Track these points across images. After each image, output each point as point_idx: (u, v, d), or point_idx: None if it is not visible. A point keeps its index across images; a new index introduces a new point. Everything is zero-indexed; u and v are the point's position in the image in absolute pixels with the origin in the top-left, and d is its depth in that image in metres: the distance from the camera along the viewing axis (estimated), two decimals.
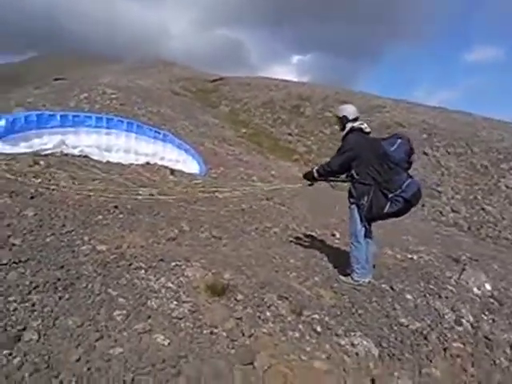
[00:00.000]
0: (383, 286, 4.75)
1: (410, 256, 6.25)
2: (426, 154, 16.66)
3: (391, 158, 4.23)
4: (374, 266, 5.00)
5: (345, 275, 4.71)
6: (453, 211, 13.18)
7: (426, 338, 3.82)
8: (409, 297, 4.61)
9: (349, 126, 4.57)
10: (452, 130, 18.55)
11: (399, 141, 4.30)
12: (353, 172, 4.45)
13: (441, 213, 13.07)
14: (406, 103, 24.20)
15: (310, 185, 5.10)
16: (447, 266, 6.01)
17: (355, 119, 4.59)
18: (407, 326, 3.94)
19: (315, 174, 4.78)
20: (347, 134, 4.58)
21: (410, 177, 4.33)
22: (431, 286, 5.08)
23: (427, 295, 4.78)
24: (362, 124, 4.57)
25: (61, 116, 7.82)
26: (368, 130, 4.59)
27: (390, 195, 4.23)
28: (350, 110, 4.65)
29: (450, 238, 9.45)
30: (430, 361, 3.51)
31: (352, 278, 4.57)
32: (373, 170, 4.31)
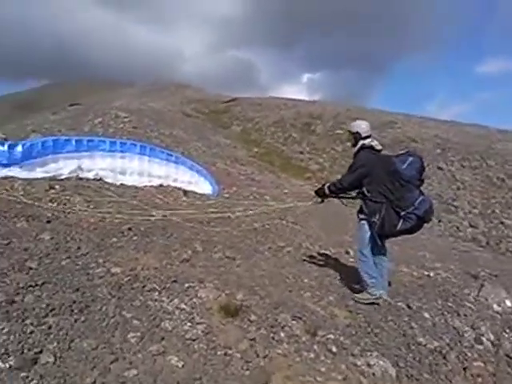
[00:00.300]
0: (399, 304, 4.67)
1: (426, 273, 6.15)
2: (440, 168, 16.48)
3: (402, 175, 4.21)
4: (389, 284, 4.94)
5: (358, 292, 4.66)
6: (470, 226, 12.93)
7: (444, 358, 3.73)
8: (426, 315, 4.52)
9: (360, 143, 4.60)
10: (466, 143, 18.37)
11: (410, 158, 4.29)
12: (364, 189, 4.46)
13: (458, 228, 12.84)
14: (417, 118, 24.12)
15: (321, 202, 5.12)
16: (465, 282, 5.88)
17: (367, 136, 4.62)
18: (425, 345, 3.86)
19: (326, 191, 4.82)
20: (358, 151, 4.61)
21: (422, 194, 4.31)
22: (449, 304, 4.97)
23: (445, 313, 4.68)
24: (373, 141, 4.60)
25: (76, 141, 8.02)
26: (379, 147, 4.61)
27: (403, 213, 4.21)
28: (363, 127, 4.68)
29: (468, 254, 9.26)
30: (450, 381, 3.43)
31: (368, 293, 4.50)
32: (384, 188, 4.30)
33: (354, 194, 4.76)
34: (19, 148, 7.20)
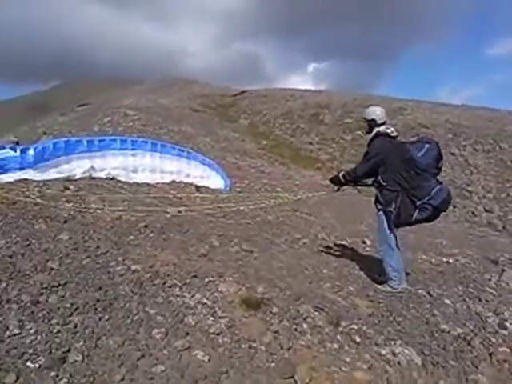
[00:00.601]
0: (420, 291, 4.64)
1: (445, 260, 6.09)
2: (452, 154, 16.27)
3: (418, 163, 4.12)
4: (407, 273, 4.90)
5: (380, 283, 4.63)
6: (485, 211, 12.77)
7: (469, 344, 3.70)
8: (448, 302, 4.48)
9: (375, 130, 4.50)
10: (477, 127, 18.08)
11: (427, 146, 4.18)
12: (379, 178, 4.39)
13: (473, 213, 12.69)
14: (428, 104, 23.78)
15: (336, 190, 5.07)
16: (485, 268, 5.82)
17: (382, 123, 4.51)
18: (449, 332, 3.83)
19: (341, 179, 4.75)
20: (373, 138, 4.52)
21: (440, 183, 4.22)
22: (470, 290, 4.93)
23: (467, 299, 4.64)
24: (389, 128, 4.49)
25: (87, 141, 8.06)
26: (394, 134, 4.51)
27: (419, 202, 4.13)
28: (378, 113, 4.56)
29: (485, 239, 9.15)
30: (476, 367, 3.39)
31: (390, 286, 4.48)
32: (399, 177, 4.22)
33: (369, 182, 4.70)
34: (31, 152, 7.26)
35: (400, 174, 4.24)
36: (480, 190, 13.95)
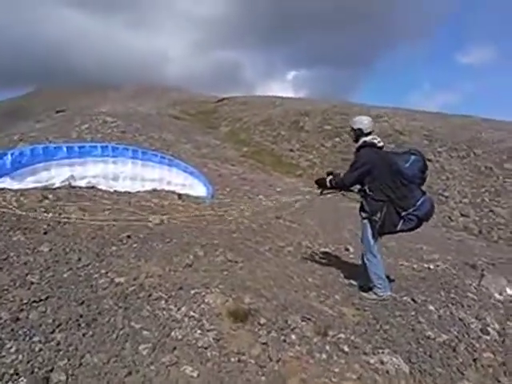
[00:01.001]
0: (404, 298, 4.69)
1: (426, 265, 6.20)
2: (429, 160, 16.59)
3: (404, 174, 4.21)
4: (390, 279, 4.96)
5: (366, 291, 4.66)
6: (462, 215, 13.09)
7: (454, 350, 3.75)
8: (432, 308, 4.54)
9: (362, 140, 4.54)
10: (452, 133, 18.57)
11: (413, 157, 4.27)
12: (366, 188, 4.43)
13: (450, 218, 12.98)
14: (404, 110, 24.29)
15: (320, 193, 5.06)
16: (465, 273, 5.94)
17: (369, 133, 4.56)
18: (434, 339, 3.88)
19: (328, 185, 4.75)
20: (360, 148, 4.56)
21: (424, 193, 4.31)
22: (452, 295, 5.01)
23: (449, 305, 4.71)
24: (375, 139, 4.53)
25: (67, 148, 7.87)
26: (381, 144, 4.55)
27: (404, 213, 4.22)
28: (365, 123, 4.58)
29: (463, 243, 9.37)
30: (462, 373, 3.45)
31: (375, 293, 4.52)
32: (385, 187, 4.29)
33: (355, 189, 4.73)
34: (8, 157, 7.03)
35: (386, 184, 4.30)
36: (456, 195, 14.31)
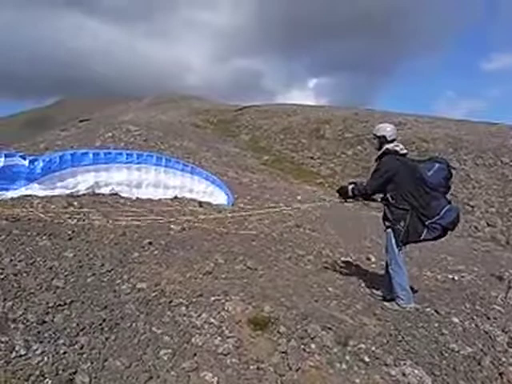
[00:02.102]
0: (428, 309, 4.60)
1: (450, 276, 6.06)
2: (453, 168, 16.32)
3: (428, 182, 4.16)
4: (414, 290, 4.87)
5: (388, 301, 4.59)
6: (488, 225, 12.76)
7: (479, 364, 3.66)
8: (456, 320, 4.44)
9: (384, 147, 4.51)
10: (478, 141, 18.18)
11: (437, 165, 4.24)
12: (388, 196, 4.39)
13: (476, 228, 12.67)
14: (427, 118, 23.94)
15: (343, 201, 5.07)
16: (491, 284, 5.79)
17: (392, 140, 4.53)
18: (458, 352, 3.78)
19: (350, 193, 4.72)
20: (382, 155, 4.52)
21: (449, 202, 4.23)
22: (478, 307, 4.89)
23: (475, 317, 4.59)
24: (398, 146, 4.50)
25: (93, 154, 8.10)
26: (404, 151, 4.51)
27: (428, 222, 4.15)
28: (388, 130, 4.57)
29: (490, 254, 9.12)
30: None
31: (398, 305, 4.44)
32: (409, 195, 4.23)
33: (378, 198, 4.69)
34: (40, 163, 7.27)
35: (409, 192, 4.25)
36: (482, 205, 13.96)
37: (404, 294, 4.41)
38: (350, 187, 4.69)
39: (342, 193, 4.85)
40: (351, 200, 5.02)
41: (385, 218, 4.49)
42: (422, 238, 4.22)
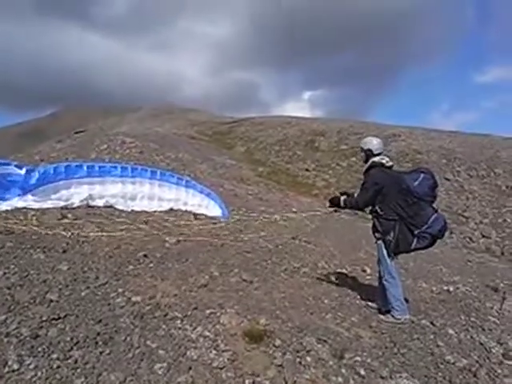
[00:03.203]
0: (423, 321, 4.60)
1: (445, 288, 6.07)
2: (447, 179, 16.45)
3: (414, 193, 4.23)
4: (407, 301, 4.89)
5: (383, 313, 4.59)
6: (483, 236, 12.82)
7: (475, 376, 3.66)
8: (451, 332, 4.45)
9: (371, 160, 4.60)
10: (471, 153, 18.37)
11: (422, 175, 4.31)
12: (376, 207, 4.47)
13: (470, 239, 12.72)
14: (421, 130, 24.19)
15: (334, 211, 5.14)
16: (486, 296, 5.80)
17: (379, 153, 4.62)
18: (454, 364, 3.78)
19: (342, 204, 4.78)
20: (369, 168, 4.61)
21: (436, 211, 4.31)
22: (473, 319, 4.90)
23: (470, 329, 4.61)
24: (384, 159, 4.60)
25: (87, 167, 8.10)
26: (389, 164, 4.60)
27: (417, 231, 4.22)
28: (375, 143, 4.66)
29: (484, 266, 9.15)
30: None
31: (393, 316, 4.45)
32: (396, 206, 4.32)
33: (367, 210, 4.75)
34: (36, 174, 7.25)
35: (397, 203, 4.33)
36: (476, 216, 14.04)
37: (398, 305, 4.42)
38: (342, 198, 4.77)
39: (334, 203, 4.91)
40: (342, 210, 5.10)
41: (374, 230, 4.56)
42: (412, 247, 4.28)
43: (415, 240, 4.25)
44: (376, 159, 4.58)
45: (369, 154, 4.65)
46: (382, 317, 4.54)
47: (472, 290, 6.12)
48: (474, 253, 11.53)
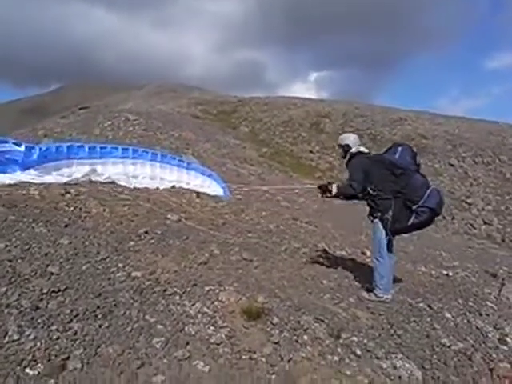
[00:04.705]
0: (420, 304, 4.63)
1: (445, 272, 6.09)
2: (452, 165, 16.35)
3: (398, 164, 4.34)
4: (398, 280, 4.97)
5: (367, 291, 4.65)
6: (485, 223, 12.81)
7: (470, 359, 3.69)
8: (448, 315, 4.47)
9: (349, 152, 4.79)
10: (477, 139, 18.20)
11: (400, 148, 4.46)
12: (369, 190, 4.49)
13: (472, 225, 12.72)
14: (428, 114, 23.94)
15: (323, 197, 5.06)
16: (485, 281, 5.83)
17: (356, 146, 4.80)
18: (449, 347, 3.82)
19: (334, 191, 4.74)
20: (349, 159, 4.77)
21: (429, 185, 4.34)
22: (470, 304, 4.93)
23: (467, 313, 4.64)
24: (360, 148, 4.79)
25: (89, 147, 8.07)
26: (366, 151, 4.81)
27: (414, 207, 4.24)
28: (352, 139, 4.90)
29: (485, 252, 9.16)
30: (477, 383, 3.38)
31: (375, 295, 4.50)
32: (387, 183, 4.38)
33: (360, 195, 4.75)
34: (36, 151, 7.23)
35: (387, 181, 4.40)
36: (479, 202, 14.00)
37: (382, 284, 4.46)
38: (335, 185, 4.77)
39: (324, 190, 4.88)
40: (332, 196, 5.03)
41: (371, 212, 4.57)
42: (409, 223, 4.27)
43: (413, 216, 4.27)
44: (353, 150, 4.77)
45: (346, 149, 4.85)
46: (363, 294, 4.59)
47: (471, 276, 6.14)
48: (475, 239, 11.56)
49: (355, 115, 22.24)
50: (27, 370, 2.56)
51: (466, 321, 4.41)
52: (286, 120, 23.37)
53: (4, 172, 6.83)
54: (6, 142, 6.90)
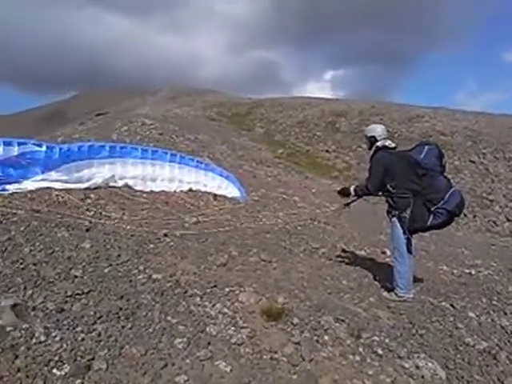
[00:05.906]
0: (443, 304, 4.56)
1: (467, 271, 5.99)
2: (472, 161, 16.02)
3: (422, 164, 4.26)
4: (418, 280, 4.92)
5: (388, 291, 4.61)
6: (508, 220, 12.50)
7: (495, 358, 3.62)
8: (471, 314, 4.40)
9: (375, 145, 4.69)
10: (498, 134, 17.77)
11: (427, 147, 4.36)
12: (388, 187, 4.46)
13: (494, 223, 12.42)
14: (446, 110, 23.48)
15: (345, 205, 5.15)
16: (509, 279, 5.70)
17: (383, 139, 4.69)
18: (474, 346, 3.75)
19: (352, 193, 4.80)
20: (374, 153, 4.68)
21: (451, 186, 4.27)
22: (494, 302, 4.83)
23: (491, 312, 4.55)
24: (386, 141, 4.66)
25: (109, 147, 8.23)
26: (393, 145, 4.68)
27: (433, 208, 4.18)
28: (378, 130, 4.76)
29: (508, 249, 8.95)
30: (502, 382, 3.33)
31: (396, 294, 4.46)
32: (408, 181, 4.32)
33: (379, 193, 4.73)
34: (57, 149, 7.34)
35: (409, 179, 4.34)
36: (502, 199, 13.67)
37: (403, 283, 4.42)
38: (353, 187, 4.81)
39: (344, 194, 4.92)
40: (354, 202, 5.09)
41: (389, 210, 4.54)
42: (428, 224, 4.22)
43: (431, 217, 4.22)
44: (379, 143, 4.67)
45: (373, 140, 4.74)
46: (384, 294, 4.56)
47: (494, 274, 6.01)
48: (498, 237, 11.29)
49: (371, 114, 22.00)
50: (54, 371, 2.63)
51: (489, 320, 4.33)
52: (302, 120, 23.29)
53: (25, 177, 6.94)
54: (26, 144, 6.99)
